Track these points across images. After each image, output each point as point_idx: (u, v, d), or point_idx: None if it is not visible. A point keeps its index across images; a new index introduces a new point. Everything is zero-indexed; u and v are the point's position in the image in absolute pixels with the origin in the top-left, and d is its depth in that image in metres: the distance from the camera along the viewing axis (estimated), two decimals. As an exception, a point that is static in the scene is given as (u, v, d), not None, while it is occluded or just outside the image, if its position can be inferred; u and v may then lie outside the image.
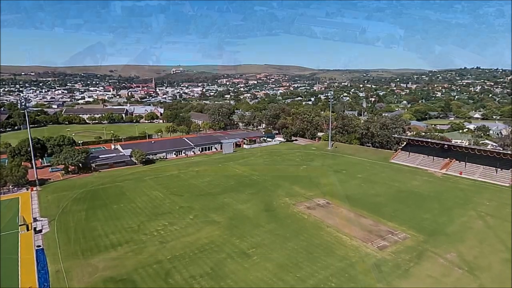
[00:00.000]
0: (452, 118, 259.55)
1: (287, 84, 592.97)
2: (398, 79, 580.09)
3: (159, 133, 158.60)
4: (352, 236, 51.75)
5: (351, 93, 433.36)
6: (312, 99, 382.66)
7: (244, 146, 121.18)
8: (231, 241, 51.06)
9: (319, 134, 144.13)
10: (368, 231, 53.73)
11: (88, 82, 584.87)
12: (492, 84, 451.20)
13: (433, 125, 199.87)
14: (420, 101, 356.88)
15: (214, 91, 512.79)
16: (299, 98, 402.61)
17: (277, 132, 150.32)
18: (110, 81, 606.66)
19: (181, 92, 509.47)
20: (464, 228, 55.02)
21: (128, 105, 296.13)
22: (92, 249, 49.03)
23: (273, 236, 52.06)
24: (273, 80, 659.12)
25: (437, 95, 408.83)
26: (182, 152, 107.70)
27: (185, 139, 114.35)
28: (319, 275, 42.10)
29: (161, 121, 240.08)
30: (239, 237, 51.92)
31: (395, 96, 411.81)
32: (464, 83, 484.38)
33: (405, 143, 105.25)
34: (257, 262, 45.18)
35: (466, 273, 42.77)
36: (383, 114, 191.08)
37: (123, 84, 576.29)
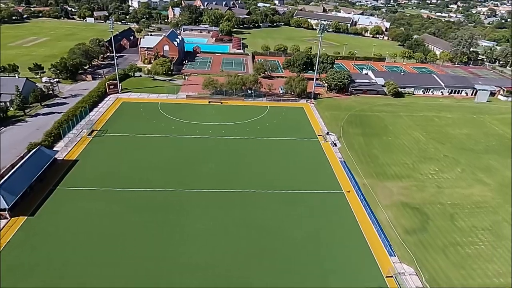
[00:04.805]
0: None
1: None
2: None
3: (393, 58, 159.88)
4: None
5: None
6: None
7: (500, 97, 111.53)
8: (505, 207, 57.27)
9: None
10: None
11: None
12: None
13: None
14: None
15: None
16: None
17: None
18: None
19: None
20: None
21: (352, 13, 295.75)
22: (382, 174, 64.66)
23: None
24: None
25: None
26: (430, 91, 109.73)
27: (436, 77, 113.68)
28: None
29: (385, 38, 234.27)
30: (513, 206, 57.41)
31: None
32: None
33: None
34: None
35: None
36: None
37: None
